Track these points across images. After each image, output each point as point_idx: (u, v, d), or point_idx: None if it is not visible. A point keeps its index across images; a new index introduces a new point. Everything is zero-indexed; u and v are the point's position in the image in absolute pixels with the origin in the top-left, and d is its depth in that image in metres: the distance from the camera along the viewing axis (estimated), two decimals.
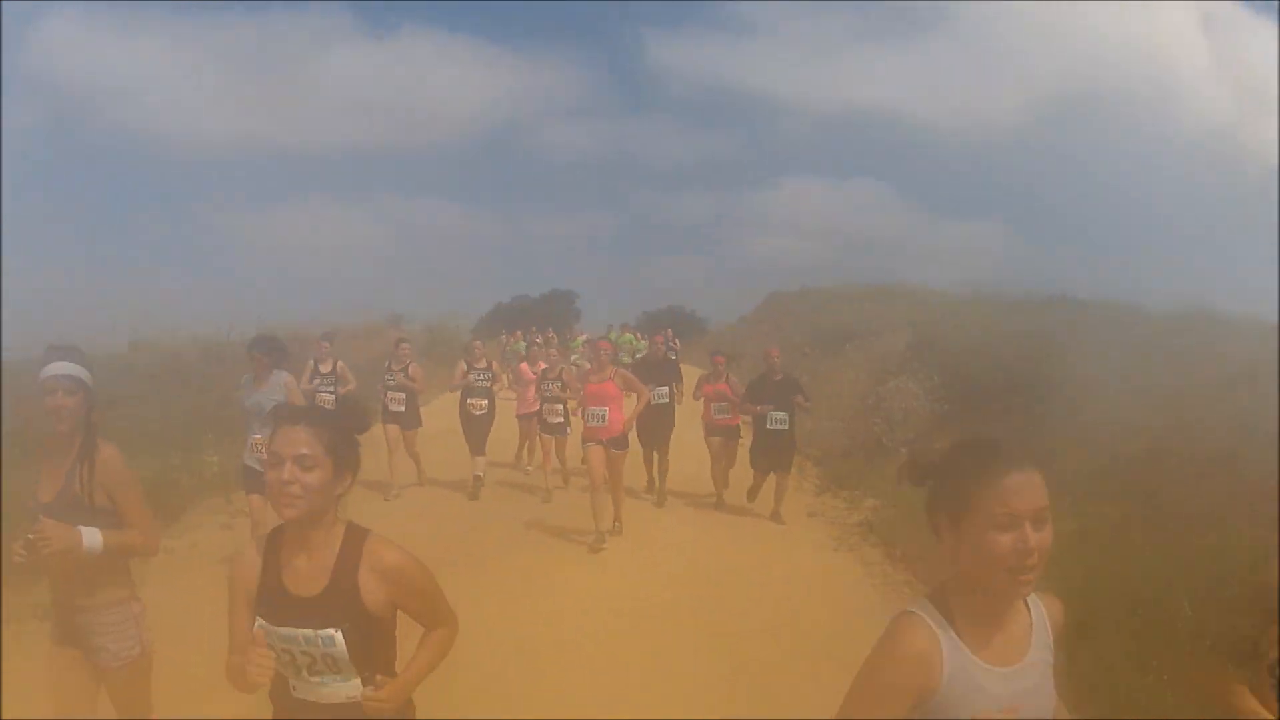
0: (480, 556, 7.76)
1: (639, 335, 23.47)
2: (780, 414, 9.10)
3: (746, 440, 9.92)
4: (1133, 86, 25.07)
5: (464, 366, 10.70)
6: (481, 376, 10.64)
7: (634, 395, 8.61)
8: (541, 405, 10.61)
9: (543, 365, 11.21)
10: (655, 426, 10.11)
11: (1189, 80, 23.94)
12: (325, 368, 10.16)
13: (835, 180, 31.28)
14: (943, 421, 10.22)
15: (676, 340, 23.02)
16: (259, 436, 6.26)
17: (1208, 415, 8.24)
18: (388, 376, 10.35)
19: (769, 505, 9.45)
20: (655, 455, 10.39)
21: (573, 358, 16.63)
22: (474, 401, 10.55)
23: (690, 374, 11.81)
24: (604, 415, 8.18)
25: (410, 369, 10.33)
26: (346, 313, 22.13)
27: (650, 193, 34.59)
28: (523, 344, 22.37)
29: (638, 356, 15.68)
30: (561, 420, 10.36)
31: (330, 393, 9.87)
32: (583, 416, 8.45)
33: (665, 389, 10.20)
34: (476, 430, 10.56)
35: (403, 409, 10.29)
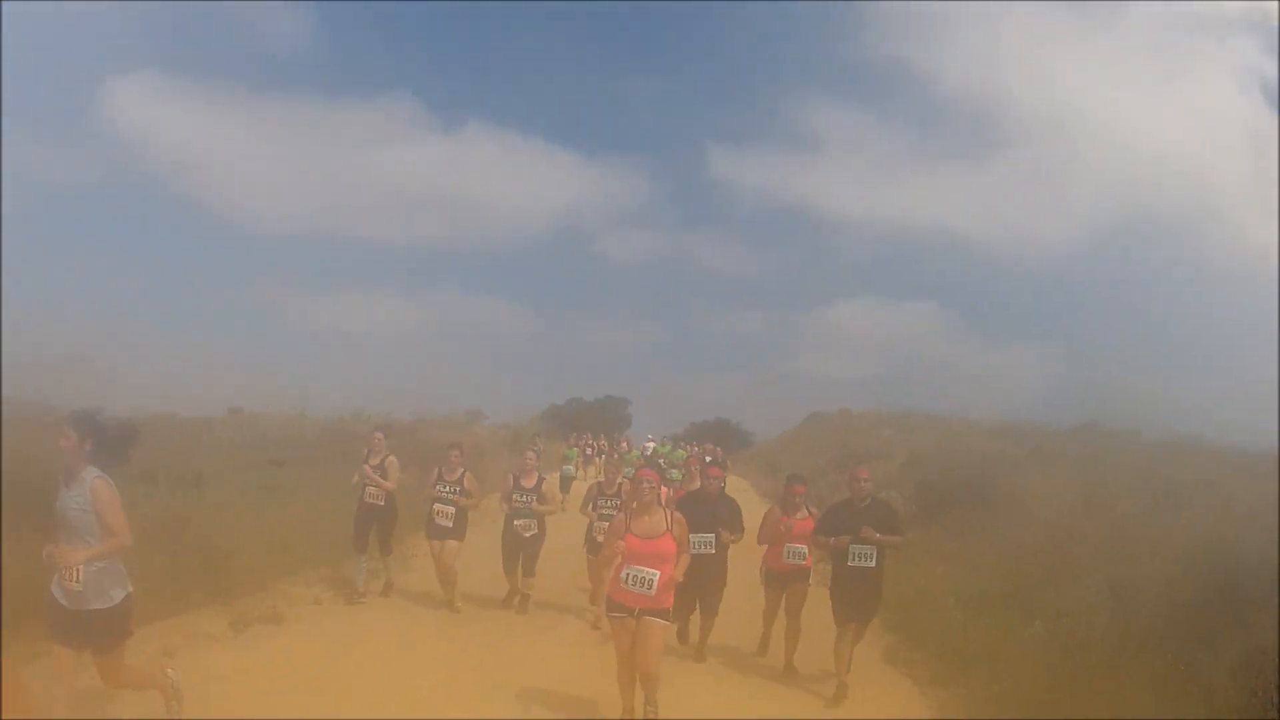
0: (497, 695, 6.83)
1: (685, 446, 22.51)
2: (866, 548, 7.42)
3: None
4: (1183, 211, 27.12)
5: (510, 482, 9.65)
6: (526, 497, 9.53)
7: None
8: (593, 524, 9.36)
9: (599, 479, 10.16)
10: (698, 583, 7.68)
11: (1233, 202, 25.93)
12: (375, 461, 9.77)
13: (890, 301, 32.91)
14: (911, 522, 12.53)
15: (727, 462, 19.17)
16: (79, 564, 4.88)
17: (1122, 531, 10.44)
18: (439, 487, 9.52)
19: (819, 660, 7.83)
20: (697, 607, 8.25)
21: (626, 471, 13.41)
22: (521, 523, 9.50)
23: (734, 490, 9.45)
24: (652, 581, 5.99)
25: (465, 480, 9.54)
26: (408, 405, 23.03)
27: (706, 305, 36.69)
28: (574, 450, 23.97)
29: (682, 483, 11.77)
30: None
31: (372, 486, 9.71)
32: (617, 577, 6.17)
33: (709, 536, 7.94)
34: (523, 551, 9.56)
35: (450, 524, 9.48)
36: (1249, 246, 25.10)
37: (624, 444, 26.62)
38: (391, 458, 9.81)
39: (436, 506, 9.48)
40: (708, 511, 8.03)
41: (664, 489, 8.16)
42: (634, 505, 6.28)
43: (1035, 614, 8.02)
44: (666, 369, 35.07)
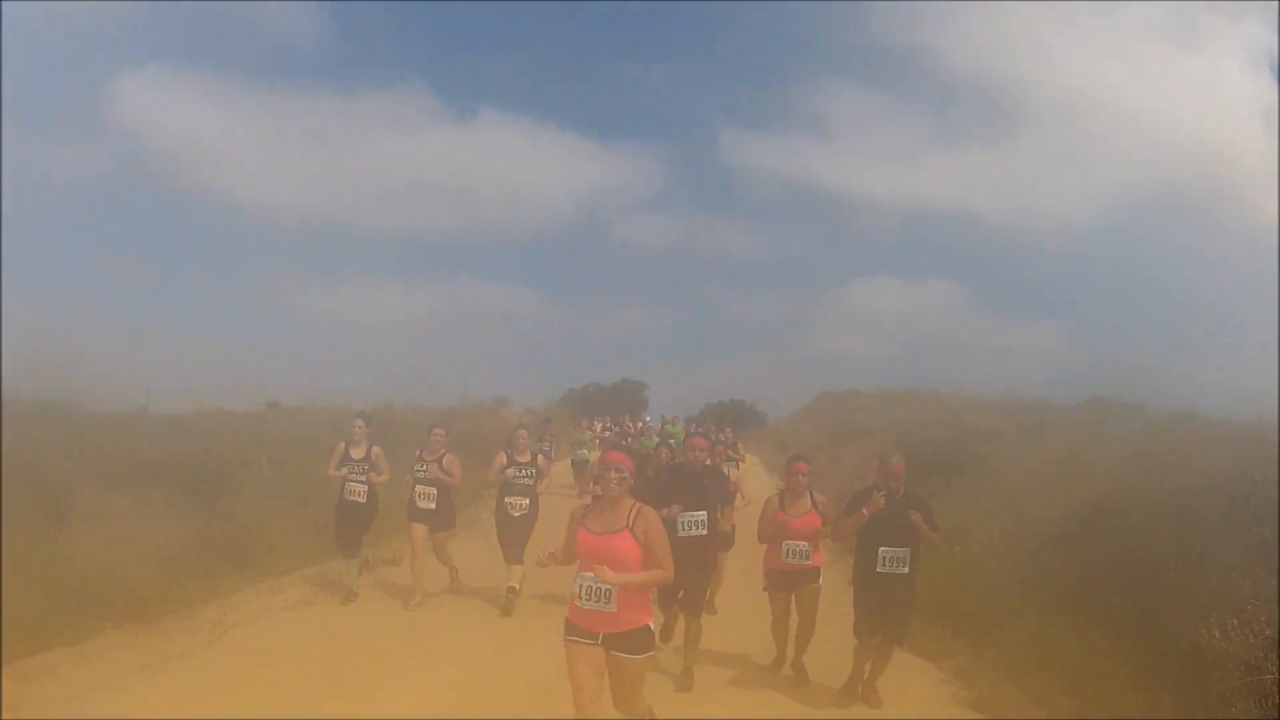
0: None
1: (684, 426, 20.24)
2: (896, 550, 6.34)
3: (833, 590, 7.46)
4: (1195, 187, 27.56)
5: (503, 458, 9.39)
6: (522, 472, 9.34)
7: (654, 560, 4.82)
8: None
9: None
10: (683, 572, 5.63)
11: (1251, 178, 26.42)
12: (358, 453, 9.30)
13: (908, 281, 33.13)
14: None
15: (740, 446, 17.60)
16: None
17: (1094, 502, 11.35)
18: (418, 468, 9.30)
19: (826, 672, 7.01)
20: (679, 609, 7.05)
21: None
22: (512, 500, 9.31)
23: (752, 474, 8.66)
24: (610, 594, 4.66)
25: (445, 460, 9.26)
26: (434, 395, 23.28)
27: (722, 289, 37.09)
28: (589, 433, 22.69)
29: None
30: None
31: (361, 481, 9.22)
32: (575, 591, 4.78)
33: (700, 515, 6.75)
34: (513, 535, 9.26)
35: (433, 506, 9.27)
36: (1261, 222, 25.64)
37: (640, 425, 27.17)
38: (377, 448, 9.39)
39: (418, 488, 9.29)
40: (688, 486, 6.76)
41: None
42: (594, 492, 5.09)
43: (956, 543, 10.03)
44: (683, 352, 35.65)
